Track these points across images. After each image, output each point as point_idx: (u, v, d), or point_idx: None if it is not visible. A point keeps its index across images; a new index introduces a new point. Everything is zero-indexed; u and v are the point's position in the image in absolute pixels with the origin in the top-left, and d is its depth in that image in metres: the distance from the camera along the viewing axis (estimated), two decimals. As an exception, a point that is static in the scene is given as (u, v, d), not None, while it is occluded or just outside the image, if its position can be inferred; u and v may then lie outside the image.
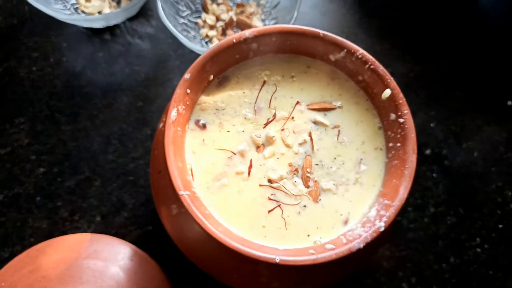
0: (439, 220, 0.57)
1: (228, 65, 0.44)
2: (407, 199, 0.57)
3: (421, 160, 0.59)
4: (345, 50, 0.42)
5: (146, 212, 0.55)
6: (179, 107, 0.39)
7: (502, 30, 0.68)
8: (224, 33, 0.61)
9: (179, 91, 0.39)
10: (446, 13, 0.69)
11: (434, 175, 0.59)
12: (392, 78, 0.41)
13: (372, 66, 0.41)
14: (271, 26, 0.42)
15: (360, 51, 0.42)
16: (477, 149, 0.60)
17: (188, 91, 0.40)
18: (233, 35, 0.41)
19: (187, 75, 0.40)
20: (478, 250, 0.56)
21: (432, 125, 0.61)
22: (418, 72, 0.64)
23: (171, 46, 0.63)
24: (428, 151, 0.60)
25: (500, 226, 0.57)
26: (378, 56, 0.64)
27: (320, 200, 0.41)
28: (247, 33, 0.42)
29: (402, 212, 0.56)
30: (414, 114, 0.61)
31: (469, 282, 0.54)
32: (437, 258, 0.55)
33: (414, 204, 0.57)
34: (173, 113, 0.39)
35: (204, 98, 0.43)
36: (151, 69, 0.62)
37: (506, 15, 0.68)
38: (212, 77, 0.43)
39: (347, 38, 0.66)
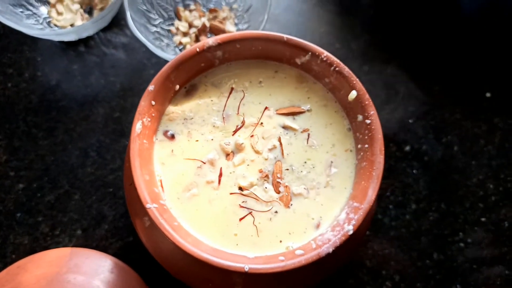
0: (421, 217, 0.56)
1: (194, 74, 0.44)
2: (388, 196, 0.57)
3: (401, 156, 0.59)
4: (310, 53, 0.42)
5: (127, 223, 0.55)
6: (144, 119, 0.39)
7: (478, 22, 0.68)
8: (197, 39, 0.61)
9: (143, 104, 0.39)
10: (420, 8, 0.69)
11: (414, 171, 0.58)
12: (357, 79, 0.41)
13: (337, 68, 0.41)
14: (234, 33, 0.42)
15: (325, 53, 0.41)
16: (456, 143, 0.60)
17: (153, 102, 0.40)
18: (196, 44, 0.41)
19: (150, 87, 0.40)
20: (462, 244, 0.55)
21: (411, 121, 0.61)
22: (395, 68, 0.64)
23: (146, 55, 0.63)
24: (407, 148, 0.60)
25: (483, 219, 0.57)
26: (355, 55, 0.65)
27: (291, 205, 0.40)
28: (210, 41, 0.41)
29: (384, 210, 0.56)
30: (393, 111, 0.62)
31: (454, 278, 0.54)
32: (420, 255, 0.55)
33: (395, 201, 0.57)
34: (138, 126, 0.38)
35: (171, 108, 0.43)
36: (127, 79, 0.62)
37: (481, 7, 0.68)
38: (178, 87, 0.43)
39: (323, 38, 0.66)
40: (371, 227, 0.55)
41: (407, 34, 0.67)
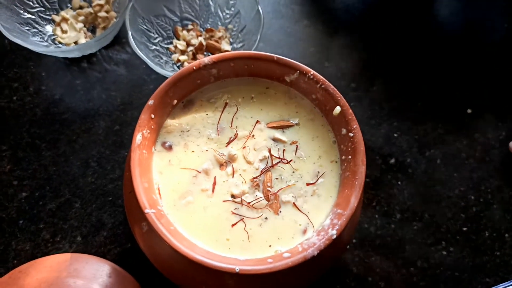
0: (405, 226, 0.59)
1: (190, 90, 0.47)
2: (374, 207, 0.60)
3: (386, 169, 0.62)
4: (298, 71, 0.45)
5: (125, 230, 0.57)
6: (144, 131, 0.42)
7: (460, 40, 0.72)
8: (194, 57, 0.65)
9: (143, 117, 0.42)
10: (405, 29, 0.73)
11: (399, 183, 0.62)
12: (341, 96, 0.44)
13: (323, 85, 0.45)
14: (229, 52, 0.45)
15: (311, 72, 0.45)
16: (439, 156, 0.64)
17: (153, 116, 0.43)
18: (193, 63, 0.45)
19: (150, 101, 0.43)
20: (444, 253, 0.58)
21: (395, 135, 0.64)
22: (381, 85, 0.68)
23: (145, 71, 0.66)
24: (392, 160, 0.63)
25: (465, 229, 0.60)
26: (343, 73, 0.69)
27: (280, 212, 0.43)
28: (206, 60, 0.45)
29: (370, 219, 0.59)
30: (378, 125, 0.65)
31: (437, 285, 0.56)
32: (405, 263, 0.57)
33: (381, 211, 0.60)
34: (138, 137, 0.42)
35: (169, 122, 0.46)
36: (127, 94, 0.65)
37: (462, 25, 0.72)
38: (175, 101, 0.46)
39: (313, 57, 0.70)
40: (358, 235, 0.58)
41: (392, 54, 0.71)
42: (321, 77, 0.45)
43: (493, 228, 0.60)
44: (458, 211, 0.61)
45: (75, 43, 0.66)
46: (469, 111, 0.67)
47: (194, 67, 0.44)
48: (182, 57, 0.64)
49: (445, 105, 0.67)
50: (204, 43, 0.65)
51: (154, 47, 0.64)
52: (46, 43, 0.65)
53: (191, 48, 0.65)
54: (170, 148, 0.45)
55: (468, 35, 0.73)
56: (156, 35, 0.65)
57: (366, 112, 0.65)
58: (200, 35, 0.66)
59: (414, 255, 0.58)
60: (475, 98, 0.68)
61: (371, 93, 0.67)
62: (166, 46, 0.66)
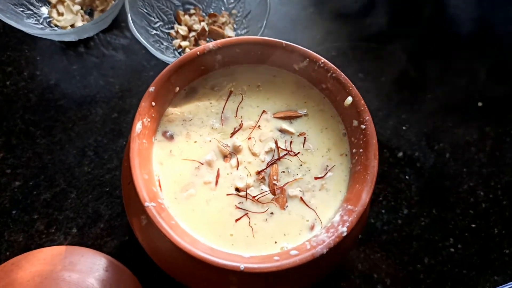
0: (413, 222, 0.57)
1: (194, 76, 0.44)
2: (380, 201, 0.58)
3: (394, 162, 0.60)
4: (308, 59, 0.43)
5: (122, 223, 0.55)
6: (144, 119, 0.40)
7: (471, 33, 0.70)
8: (196, 43, 0.62)
9: (143, 104, 0.40)
10: (414, 19, 0.70)
11: (406, 177, 0.60)
12: (353, 85, 0.42)
13: (334, 74, 0.42)
14: (234, 37, 0.43)
15: (322, 60, 0.42)
16: (448, 150, 0.62)
17: (153, 103, 0.41)
18: (197, 48, 0.42)
19: (151, 88, 0.40)
20: (452, 250, 0.56)
21: (404, 128, 0.62)
22: (390, 76, 0.65)
23: (145, 56, 0.63)
24: (400, 154, 0.61)
25: (473, 225, 0.58)
26: (350, 62, 0.66)
27: (287, 206, 0.41)
28: (211, 45, 0.42)
29: (376, 214, 0.57)
30: (386, 117, 0.63)
31: (444, 282, 0.55)
32: (411, 259, 0.56)
33: (388, 206, 0.58)
34: (138, 126, 0.39)
35: (171, 110, 0.44)
36: (126, 80, 0.62)
37: (474, 16, 0.70)
38: (178, 89, 0.43)
39: (320, 44, 0.68)
40: (364, 231, 0.56)
41: (401, 44, 0.68)
42: (332, 65, 0.42)
43: (503, 225, 0.58)
44: (467, 207, 0.59)
45: (72, 26, 0.63)
46: (479, 104, 0.65)
47: (198, 53, 0.42)
48: (184, 43, 0.62)
49: (455, 98, 0.65)
50: (206, 29, 0.62)
51: (154, 31, 0.61)
52: (41, 26, 0.62)
53: (193, 33, 0.63)
54: (171, 137, 0.43)
55: (480, 27, 0.71)
56: (157, 19, 0.62)
57: (374, 103, 0.63)
58: (203, 20, 0.64)
59: (421, 252, 0.56)
60: (486, 91, 0.66)
61: (379, 84, 0.65)
62: (167, 31, 0.63)
